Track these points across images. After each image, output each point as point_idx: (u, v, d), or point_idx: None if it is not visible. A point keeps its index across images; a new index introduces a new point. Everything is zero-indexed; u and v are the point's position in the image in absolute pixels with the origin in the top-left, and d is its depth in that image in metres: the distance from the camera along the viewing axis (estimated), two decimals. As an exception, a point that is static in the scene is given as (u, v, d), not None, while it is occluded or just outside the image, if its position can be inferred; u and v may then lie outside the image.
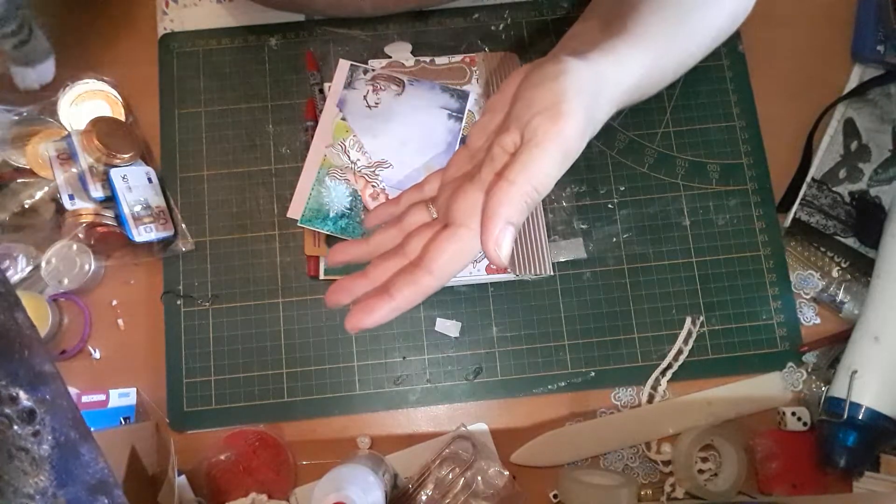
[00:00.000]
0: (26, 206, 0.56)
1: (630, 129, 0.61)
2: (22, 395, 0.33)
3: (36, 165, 0.57)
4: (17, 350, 0.33)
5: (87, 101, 0.60)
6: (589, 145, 0.37)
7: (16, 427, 0.32)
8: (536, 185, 0.36)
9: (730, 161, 0.60)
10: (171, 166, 0.60)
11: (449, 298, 0.58)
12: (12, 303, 0.34)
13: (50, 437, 0.33)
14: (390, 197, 0.56)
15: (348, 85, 0.59)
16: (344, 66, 0.60)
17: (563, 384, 0.56)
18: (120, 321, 0.58)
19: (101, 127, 0.55)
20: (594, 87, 0.38)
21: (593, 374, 0.57)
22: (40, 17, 0.57)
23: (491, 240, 0.35)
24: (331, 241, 0.57)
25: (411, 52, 0.62)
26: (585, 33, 0.47)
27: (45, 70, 0.60)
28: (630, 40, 0.41)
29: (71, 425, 0.34)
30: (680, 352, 0.57)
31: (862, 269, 0.57)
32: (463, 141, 0.58)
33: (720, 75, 0.62)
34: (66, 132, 0.58)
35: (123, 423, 0.55)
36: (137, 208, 0.56)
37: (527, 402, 0.57)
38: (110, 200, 0.56)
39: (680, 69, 0.48)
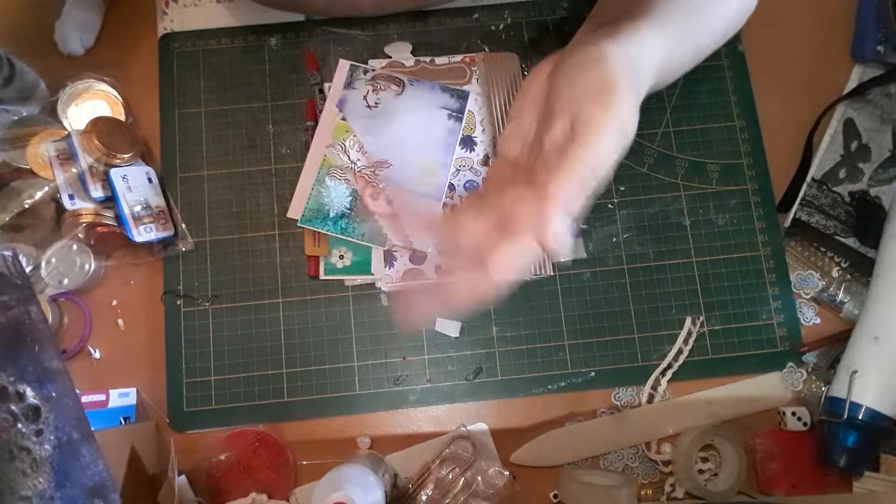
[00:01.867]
0: (26, 206, 0.56)
1: (630, 129, 0.61)
2: (28, 392, 0.32)
3: (36, 165, 0.57)
4: (27, 345, 0.33)
5: (87, 101, 0.60)
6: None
7: (19, 425, 0.32)
8: (595, 170, 0.35)
9: (730, 161, 0.60)
10: (171, 166, 0.60)
11: (449, 298, 0.58)
12: (27, 296, 0.33)
13: (52, 437, 0.33)
14: (389, 197, 0.56)
15: (348, 85, 0.59)
16: (344, 66, 0.60)
17: (563, 384, 0.56)
18: (120, 321, 0.58)
19: (101, 127, 0.55)
20: (632, 68, 0.39)
21: (593, 374, 0.57)
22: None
23: (550, 231, 0.35)
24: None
25: (411, 52, 0.62)
26: (605, 21, 0.47)
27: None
28: (649, 24, 0.42)
29: (74, 425, 0.34)
30: (680, 352, 0.57)
31: (862, 269, 0.57)
32: (463, 141, 0.58)
33: (720, 75, 0.62)
34: (66, 132, 0.58)
35: (123, 423, 0.55)
36: (137, 208, 0.56)
37: (527, 402, 0.57)
38: (110, 200, 0.56)
39: (697, 58, 0.48)
